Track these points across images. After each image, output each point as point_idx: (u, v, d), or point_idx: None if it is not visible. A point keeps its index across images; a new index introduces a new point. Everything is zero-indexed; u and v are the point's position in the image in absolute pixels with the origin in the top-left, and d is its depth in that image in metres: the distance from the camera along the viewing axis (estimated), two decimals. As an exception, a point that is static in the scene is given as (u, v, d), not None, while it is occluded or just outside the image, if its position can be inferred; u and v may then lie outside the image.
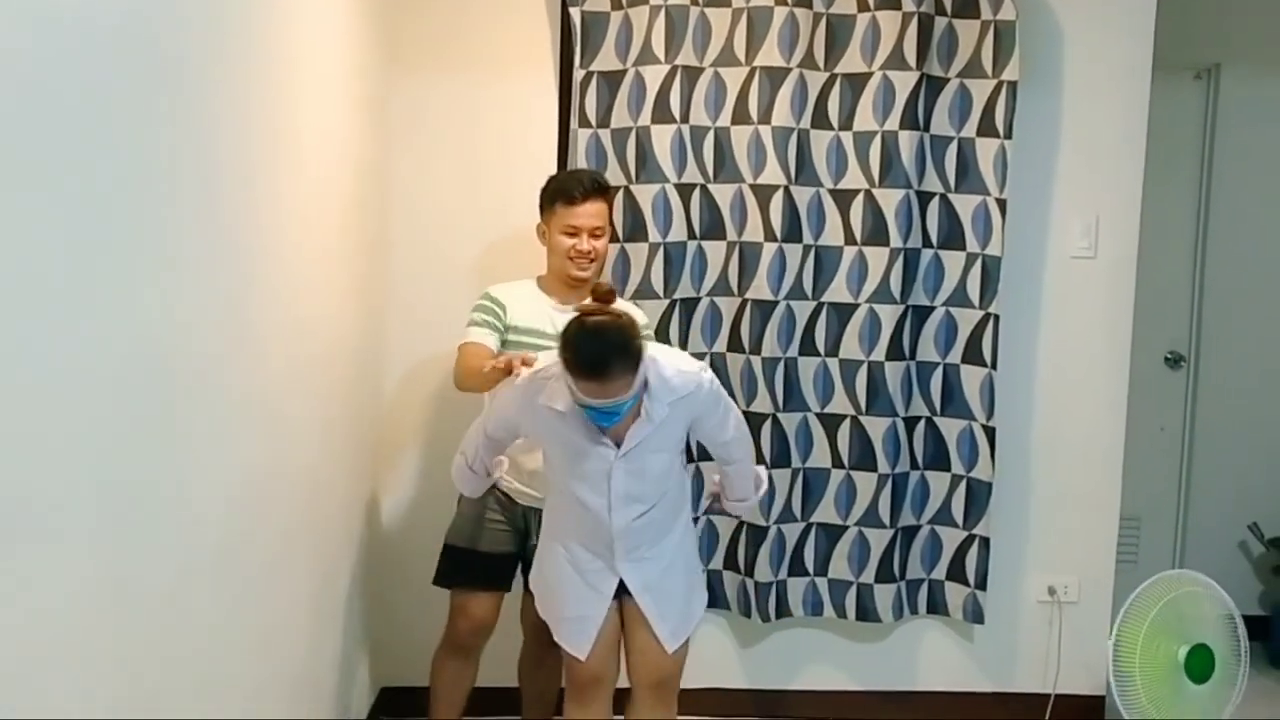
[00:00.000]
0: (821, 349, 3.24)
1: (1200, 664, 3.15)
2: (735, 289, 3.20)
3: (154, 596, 1.64)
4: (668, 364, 2.38)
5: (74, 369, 1.38)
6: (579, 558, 2.52)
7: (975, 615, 3.34)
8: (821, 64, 3.17)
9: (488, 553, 2.80)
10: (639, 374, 2.26)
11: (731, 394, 2.88)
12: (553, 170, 3.15)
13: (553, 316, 2.73)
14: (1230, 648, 3.19)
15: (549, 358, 2.39)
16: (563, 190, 2.75)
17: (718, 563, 3.36)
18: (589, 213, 2.74)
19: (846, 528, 3.31)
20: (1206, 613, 3.20)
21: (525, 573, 2.76)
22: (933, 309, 3.26)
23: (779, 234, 3.16)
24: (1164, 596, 3.16)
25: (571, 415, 2.33)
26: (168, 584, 1.69)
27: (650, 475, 2.44)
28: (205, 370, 1.82)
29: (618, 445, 2.38)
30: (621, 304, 2.93)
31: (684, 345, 3.19)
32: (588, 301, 2.29)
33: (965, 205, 3.21)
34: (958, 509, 3.32)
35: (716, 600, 3.35)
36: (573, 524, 2.51)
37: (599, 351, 2.21)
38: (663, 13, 3.10)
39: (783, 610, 3.34)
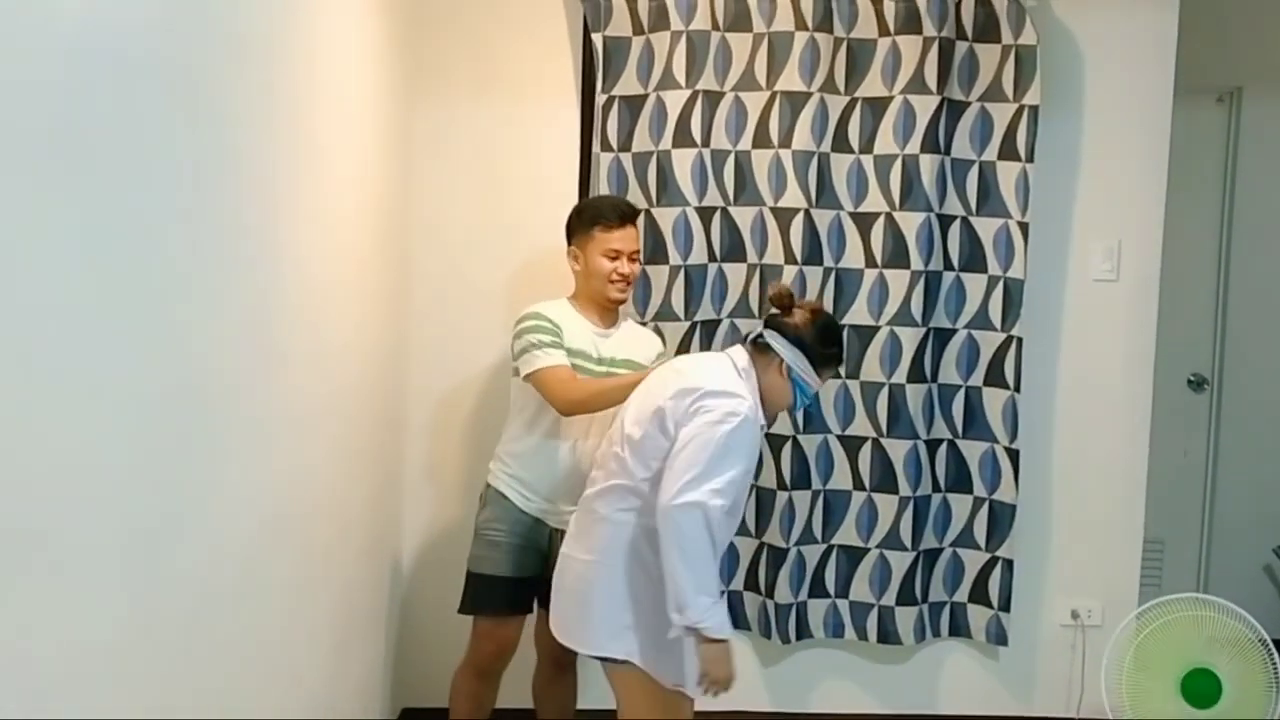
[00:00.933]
0: (842, 371, 3.24)
1: (1202, 688, 3.11)
2: (756, 311, 3.20)
3: (177, 618, 1.65)
4: None
5: (95, 393, 1.40)
6: None
7: (999, 637, 3.33)
8: (842, 88, 3.19)
9: (515, 578, 2.78)
10: None
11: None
12: (574, 193, 3.18)
13: (595, 341, 2.76)
14: (1255, 672, 3.15)
15: (716, 381, 2.33)
16: (601, 215, 2.77)
17: (738, 583, 3.36)
18: (628, 236, 2.78)
19: (868, 550, 3.30)
20: (1219, 636, 3.16)
21: (547, 594, 2.72)
22: (954, 331, 3.26)
23: (799, 256, 3.17)
24: (1158, 620, 3.13)
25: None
26: (191, 606, 1.70)
27: None
28: (228, 394, 1.84)
29: None
30: (638, 327, 2.97)
31: (705, 367, 3.20)
32: (807, 302, 2.52)
33: (987, 228, 3.22)
34: (980, 531, 3.31)
35: (737, 621, 3.35)
36: None
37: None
38: (684, 38, 3.12)
39: (803, 632, 3.34)
